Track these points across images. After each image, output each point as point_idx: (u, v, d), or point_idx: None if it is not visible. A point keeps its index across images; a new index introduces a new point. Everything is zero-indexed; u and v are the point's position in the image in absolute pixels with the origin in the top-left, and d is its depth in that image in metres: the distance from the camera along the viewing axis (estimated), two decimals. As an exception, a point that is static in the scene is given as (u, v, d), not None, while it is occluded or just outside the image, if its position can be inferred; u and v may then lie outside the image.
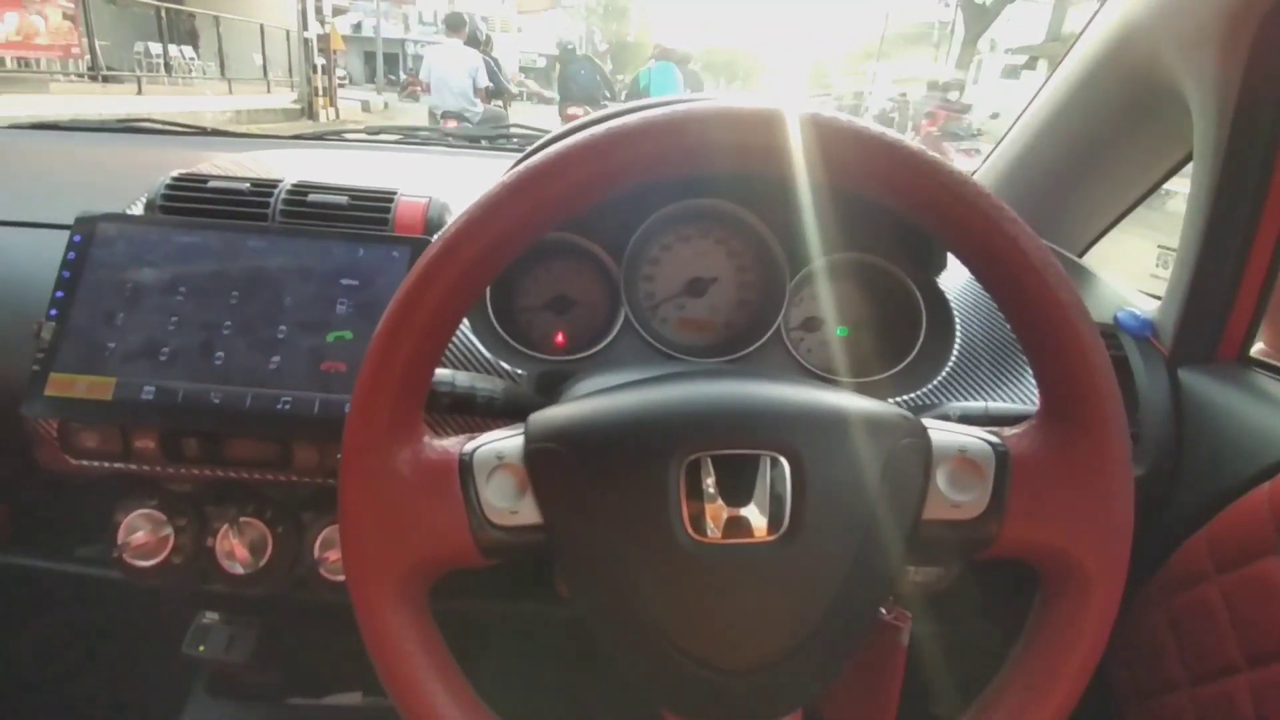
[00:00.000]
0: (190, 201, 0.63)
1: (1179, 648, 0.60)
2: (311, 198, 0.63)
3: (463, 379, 0.52)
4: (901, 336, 0.68)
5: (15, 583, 0.80)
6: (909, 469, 0.39)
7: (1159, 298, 0.70)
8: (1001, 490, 0.39)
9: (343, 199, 0.63)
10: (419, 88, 5.07)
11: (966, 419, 0.45)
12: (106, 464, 0.58)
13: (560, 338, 0.71)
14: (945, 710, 0.44)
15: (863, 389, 0.44)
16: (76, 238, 0.58)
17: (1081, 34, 0.77)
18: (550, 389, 0.59)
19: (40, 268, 0.61)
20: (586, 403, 0.42)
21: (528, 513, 0.40)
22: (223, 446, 0.58)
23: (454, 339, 0.41)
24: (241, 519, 0.59)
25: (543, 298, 0.71)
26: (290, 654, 0.75)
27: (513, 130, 1.20)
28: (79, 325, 0.56)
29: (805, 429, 0.39)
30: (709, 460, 0.38)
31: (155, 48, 10.52)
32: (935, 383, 0.64)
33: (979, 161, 0.97)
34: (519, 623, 0.75)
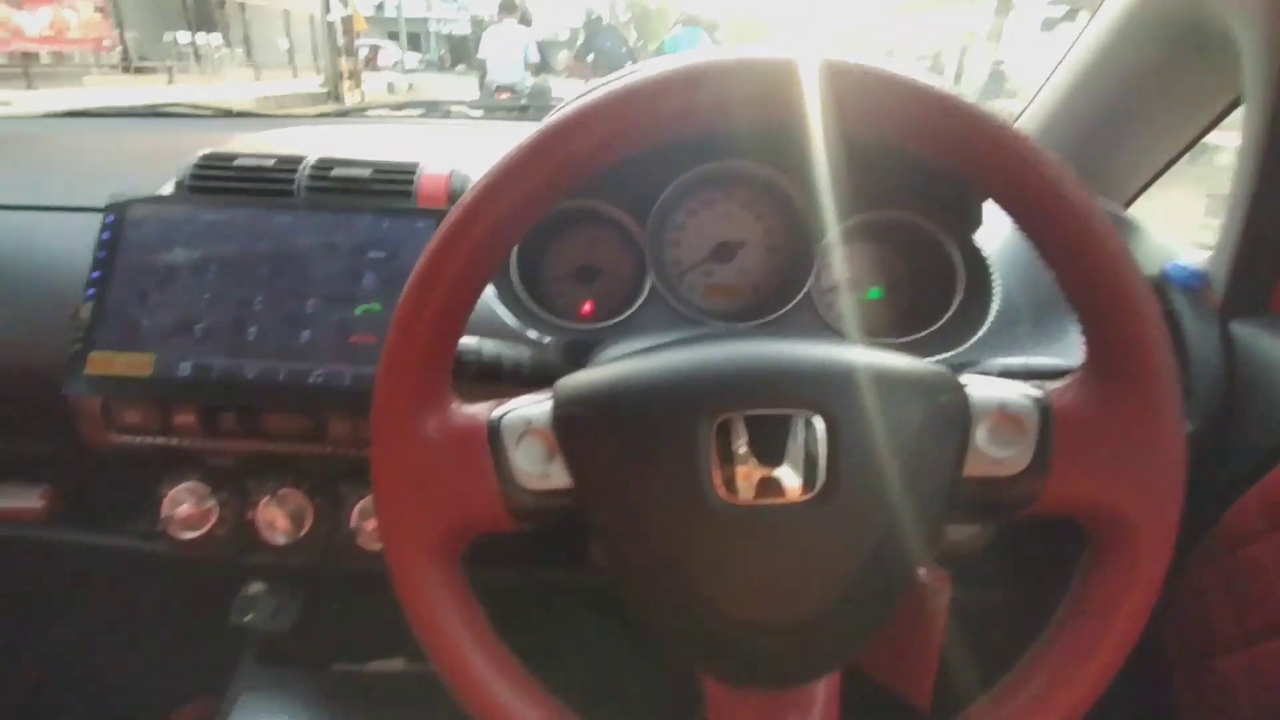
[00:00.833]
0: (218, 180, 0.63)
1: (1231, 608, 0.58)
2: (335, 172, 0.63)
3: (489, 346, 0.52)
4: (937, 296, 0.66)
5: (67, 559, 0.83)
6: (948, 425, 0.38)
7: (1210, 249, 0.67)
8: (1045, 445, 0.38)
9: (366, 173, 0.63)
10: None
11: (1007, 374, 0.44)
12: (148, 439, 0.59)
13: (587, 307, 0.70)
14: (986, 673, 0.44)
15: (897, 350, 0.43)
16: (109, 219, 0.60)
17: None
18: (577, 357, 0.59)
19: (76, 251, 0.62)
20: (615, 366, 0.42)
21: (557, 477, 0.39)
22: (260, 420, 0.59)
23: (480, 307, 0.41)
24: (281, 490, 0.61)
25: (568, 267, 0.71)
26: (333, 622, 0.77)
27: (554, 100, 1.19)
28: (116, 305, 0.58)
29: (839, 387, 0.38)
30: (741, 420, 0.38)
31: (184, 36, 10.65)
32: (973, 342, 0.62)
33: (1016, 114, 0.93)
34: (549, 591, 0.76)
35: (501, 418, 0.40)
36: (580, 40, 6.01)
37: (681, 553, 0.38)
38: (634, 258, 0.70)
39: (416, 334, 0.38)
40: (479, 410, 0.41)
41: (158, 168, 0.69)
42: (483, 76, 5.51)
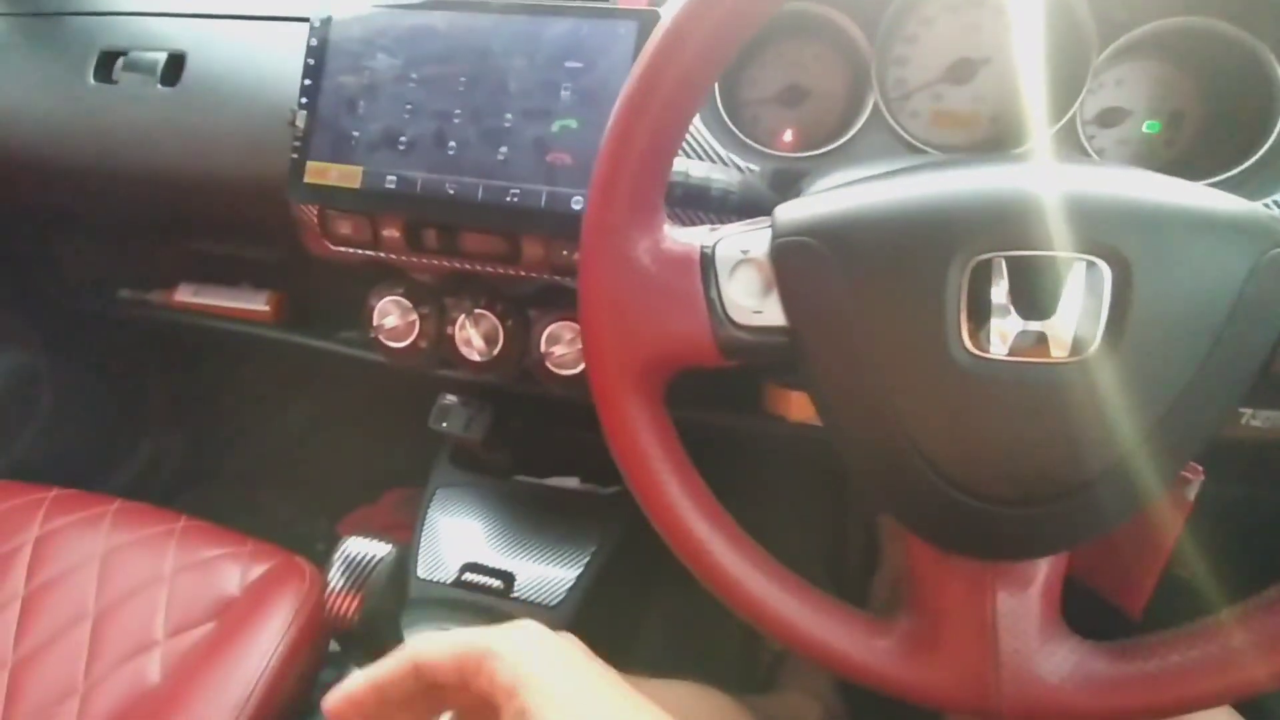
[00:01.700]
0: None
1: None
2: None
3: (698, 169, 0.48)
4: (1244, 129, 0.52)
5: (290, 360, 0.93)
6: (1276, 286, 0.31)
7: None
8: None
9: None
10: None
11: None
12: (359, 251, 0.62)
13: (790, 134, 0.63)
14: (1225, 588, 0.38)
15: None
16: (316, 24, 0.59)
17: None
18: (785, 188, 0.54)
19: (286, 59, 0.63)
20: (845, 192, 0.37)
21: (772, 313, 0.36)
22: (459, 239, 0.59)
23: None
24: (476, 310, 0.62)
25: (771, 88, 0.63)
26: (518, 438, 0.82)
27: None
28: (327, 115, 0.59)
29: (1137, 228, 0.31)
30: (1003, 262, 0.32)
31: None
32: None
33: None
34: (736, 436, 0.75)
35: (716, 244, 0.37)
36: None
37: (915, 408, 0.34)
38: (849, 76, 0.61)
39: (632, 144, 0.35)
40: (692, 236, 0.38)
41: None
42: None
